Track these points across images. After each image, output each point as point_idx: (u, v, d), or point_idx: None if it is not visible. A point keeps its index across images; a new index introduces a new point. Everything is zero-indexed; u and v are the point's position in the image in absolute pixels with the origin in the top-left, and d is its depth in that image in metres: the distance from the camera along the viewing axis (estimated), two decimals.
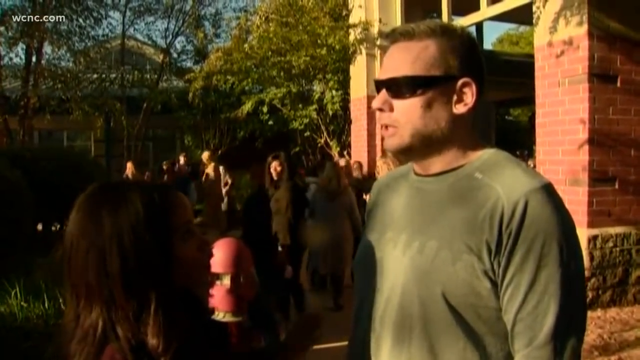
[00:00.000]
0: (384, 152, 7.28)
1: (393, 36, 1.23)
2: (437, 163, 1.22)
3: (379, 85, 1.22)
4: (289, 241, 5.22)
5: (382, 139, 1.27)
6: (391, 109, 1.21)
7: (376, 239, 1.30)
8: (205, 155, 11.87)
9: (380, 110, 1.22)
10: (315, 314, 1.57)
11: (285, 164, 5.52)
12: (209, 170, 11.42)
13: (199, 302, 1.25)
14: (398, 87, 1.19)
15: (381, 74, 1.23)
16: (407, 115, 1.18)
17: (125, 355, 1.01)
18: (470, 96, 1.18)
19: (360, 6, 10.04)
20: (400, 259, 1.20)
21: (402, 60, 1.19)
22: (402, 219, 1.25)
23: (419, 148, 1.21)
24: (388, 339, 1.20)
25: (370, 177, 8.83)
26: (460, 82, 1.18)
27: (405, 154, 1.25)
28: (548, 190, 1.10)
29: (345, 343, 1.35)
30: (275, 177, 5.54)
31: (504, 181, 1.12)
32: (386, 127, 1.22)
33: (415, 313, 1.15)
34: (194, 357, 1.12)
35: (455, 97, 1.18)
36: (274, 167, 5.55)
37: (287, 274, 5.11)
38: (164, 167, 12.38)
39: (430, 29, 1.19)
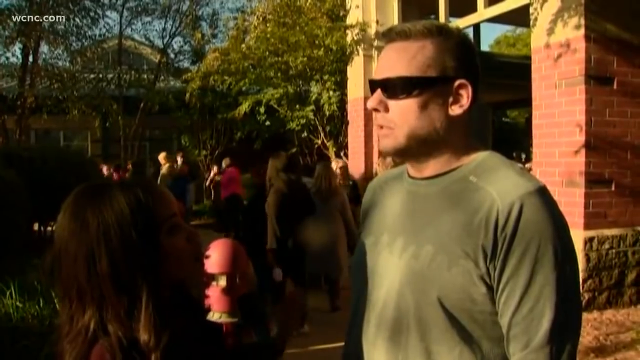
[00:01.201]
0: (381, 153, 7.27)
1: (389, 36, 1.21)
2: (431, 166, 1.22)
3: (374, 85, 1.21)
4: (274, 245, 5.19)
5: (379, 140, 1.26)
6: (386, 110, 1.19)
7: (372, 242, 1.29)
8: (161, 155, 11.91)
9: (376, 110, 1.21)
10: (293, 298, 1.59)
11: (275, 165, 5.42)
12: (164, 170, 11.50)
13: (192, 299, 1.26)
14: (394, 88, 1.17)
15: (376, 73, 1.21)
16: (402, 116, 1.17)
17: (114, 354, 1.02)
18: (465, 98, 1.17)
19: (357, 7, 10.04)
20: (396, 264, 1.20)
21: (398, 60, 1.18)
22: (398, 223, 1.24)
23: (414, 149, 1.20)
24: (384, 343, 1.19)
25: (368, 179, 8.83)
26: (456, 83, 1.17)
27: (400, 155, 1.25)
28: (542, 193, 1.10)
29: (342, 344, 1.35)
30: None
31: (499, 184, 1.12)
32: (381, 127, 1.21)
33: (411, 318, 1.14)
34: (186, 354, 1.12)
35: (451, 99, 1.17)
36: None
37: (276, 276, 5.06)
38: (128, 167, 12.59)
39: (426, 29, 1.17)
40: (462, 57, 1.18)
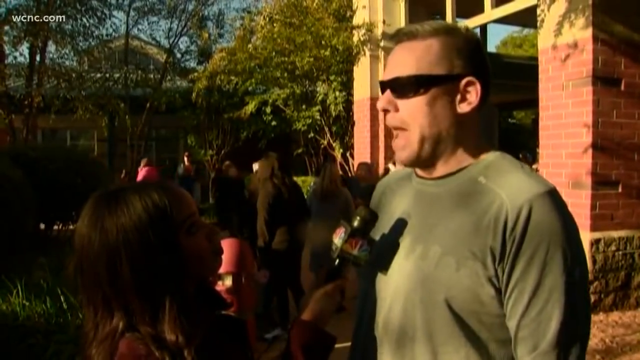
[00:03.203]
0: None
1: (397, 37, 1.22)
2: (441, 166, 1.21)
3: (384, 86, 1.21)
4: (261, 244, 5.22)
5: (395, 152, 1.25)
6: (396, 109, 1.20)
7: (379, 242, 1.29)
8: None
9: (386, 110, 1.21)
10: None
11: (263, 166, 5.42)
12: None
13: (215, 294, 1.26)
14: (402, 87, 1.17)
15: (385, 74, 1.22)
16: (412, 115, 1.17)
17: (147, 344, 1.02)
18: (474, 95, 1.17)
19: (364, 7, 10.04)
20: (403, 264, 1.19)
21: (406, 60, 1.18)
22: (406, 223, 1.24)
23: (430, 154, 1.19)
24: (390, 344, 1.19)
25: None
26: (464, 81, 1.16)
27: (417, 165, 1.24)
28: (552, 195, 1.09)
29: (348, 345, 1.35)
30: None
31: (508, 186, 1.11)
32: (395, 135, 1.21)
33: (418, 319, 1.14)
34: (214, 348, 1.12)
35: (459, 97, 1.17)
36: None
37: (260, 277, 5.08)
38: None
39: (433, 29, 1.18)
40: (470, 55, 1.17)
